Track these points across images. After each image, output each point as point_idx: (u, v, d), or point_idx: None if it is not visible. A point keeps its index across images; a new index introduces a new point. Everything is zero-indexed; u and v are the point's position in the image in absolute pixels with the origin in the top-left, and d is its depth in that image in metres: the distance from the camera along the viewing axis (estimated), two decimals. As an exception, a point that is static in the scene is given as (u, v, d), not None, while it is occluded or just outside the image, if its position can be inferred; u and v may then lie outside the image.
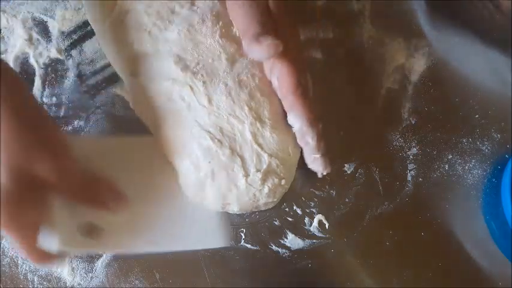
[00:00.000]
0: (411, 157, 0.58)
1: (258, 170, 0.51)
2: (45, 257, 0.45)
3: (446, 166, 0.58)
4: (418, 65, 0.61)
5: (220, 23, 0.55)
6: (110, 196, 0.47)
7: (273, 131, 0.52)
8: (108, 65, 0.60)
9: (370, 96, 0.60)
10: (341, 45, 0.62)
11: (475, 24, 0.64)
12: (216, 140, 0.51)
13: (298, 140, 0.52)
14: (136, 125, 0.56)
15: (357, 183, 0.57)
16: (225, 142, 0.52)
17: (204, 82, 0.52)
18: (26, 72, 0.60)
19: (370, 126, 0.59)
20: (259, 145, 0.52)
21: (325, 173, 0.52)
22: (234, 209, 0.53)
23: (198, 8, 0.55)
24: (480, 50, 0.63)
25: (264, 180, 0.51)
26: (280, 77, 0.49)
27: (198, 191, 0.53)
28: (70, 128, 0.58)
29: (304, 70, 0.51)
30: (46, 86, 0.59)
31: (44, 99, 0.59)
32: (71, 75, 0.60)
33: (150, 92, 0.55)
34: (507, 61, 0.62)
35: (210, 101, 0.52)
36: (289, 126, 0.53)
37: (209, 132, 0.52)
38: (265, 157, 0.52)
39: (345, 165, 0.58)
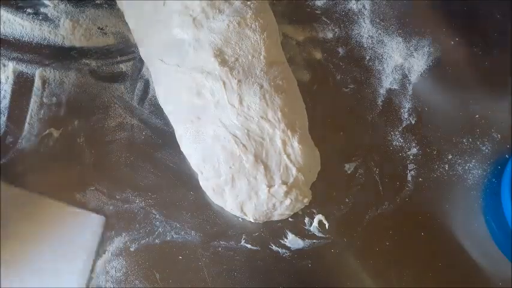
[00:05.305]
0: (411, 157, 0.58)
1: (284, 183, 0.50)
2: None
3: (446, 166, 0.58)
4: (418, 65, 0.61)
5: (268, 25, 0.54)
6: None
7: (301, 143, 0.52)
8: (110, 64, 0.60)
9: (370, 96, 0.60)
10: (341, 45, 0.62)
11: (475, 24, 0.64)
12: (241, 145, 0.50)
13: None
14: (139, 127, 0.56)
15: (357, 183, 0.57)
16: (250, 147, 0.50)
17: (239, 80, 0.51)
18: (26, 72, 0.60)
19: (370, 126, 0.59)
20: (288, 155, 0.51)
21: None
22: (249, 217, 0.53)
23: (251, 3, 0.54)
24: (480, 50, 0.63)
25: (287, 193, 0.51)
26: None
27: (218, 194, 0.52)
28: (70, 128, 0.58)
29: None
30: (46, 86, 0.59)
31: (44, 99, 0.59)
32: (72, 74, 0.60)
33: (178, 83, 0.53)
34: (507, 61, 0.62)
35: (241, 101, 0.50)
36: (313, 144, 0.53)
37: (235, 135, 0.50)
38: (294, 171, 0.51)
39: (345, 165, 0.58)
